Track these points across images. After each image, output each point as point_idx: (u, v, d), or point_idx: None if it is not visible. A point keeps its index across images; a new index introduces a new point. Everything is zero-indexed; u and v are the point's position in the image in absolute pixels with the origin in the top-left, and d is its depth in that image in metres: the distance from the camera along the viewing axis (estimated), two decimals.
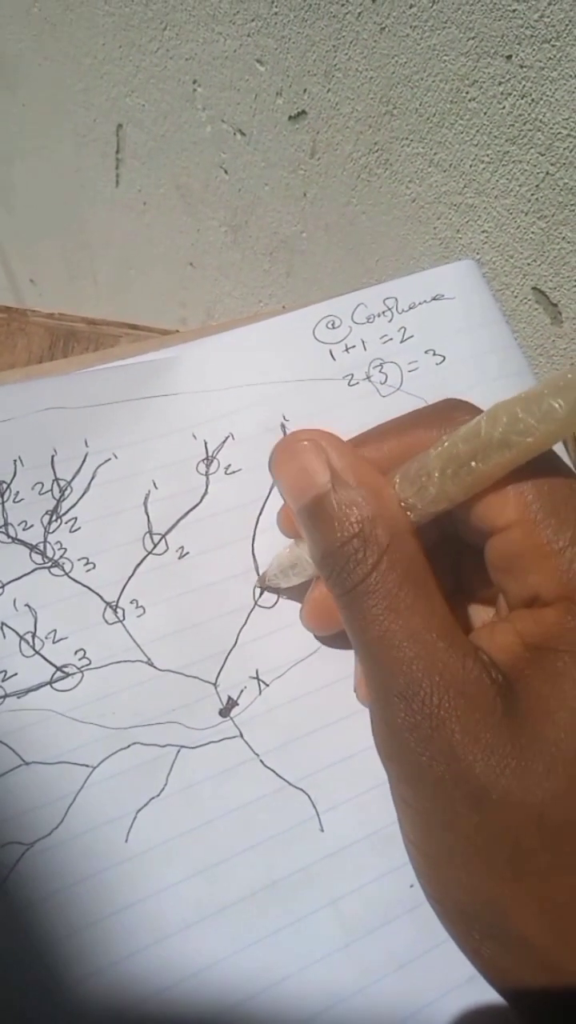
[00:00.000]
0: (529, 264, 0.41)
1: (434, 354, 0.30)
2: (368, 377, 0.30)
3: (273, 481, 0.24)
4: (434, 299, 0.31)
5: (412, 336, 0.30)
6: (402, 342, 0.30)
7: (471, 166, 0.38)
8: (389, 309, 0.30)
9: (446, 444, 0.21)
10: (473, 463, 0.20)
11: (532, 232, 0.39)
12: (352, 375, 0.30)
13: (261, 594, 0.28)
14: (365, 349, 0.30)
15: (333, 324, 0.30)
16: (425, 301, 0.31)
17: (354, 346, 0.30)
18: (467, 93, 0.36)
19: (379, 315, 0.30)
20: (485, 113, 0.36)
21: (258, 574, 0.28)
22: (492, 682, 0.20)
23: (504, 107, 0.36)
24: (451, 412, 0.23)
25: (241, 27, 0.41)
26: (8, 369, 0.28)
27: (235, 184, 0.46)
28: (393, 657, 0.20)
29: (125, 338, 0.33)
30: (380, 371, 0.30)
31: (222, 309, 0.52)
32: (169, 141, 0.47)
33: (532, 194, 0.38)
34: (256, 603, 0.28)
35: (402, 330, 0.30)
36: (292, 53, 0.40)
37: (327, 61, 0.40)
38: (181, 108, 0.46)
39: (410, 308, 0.31)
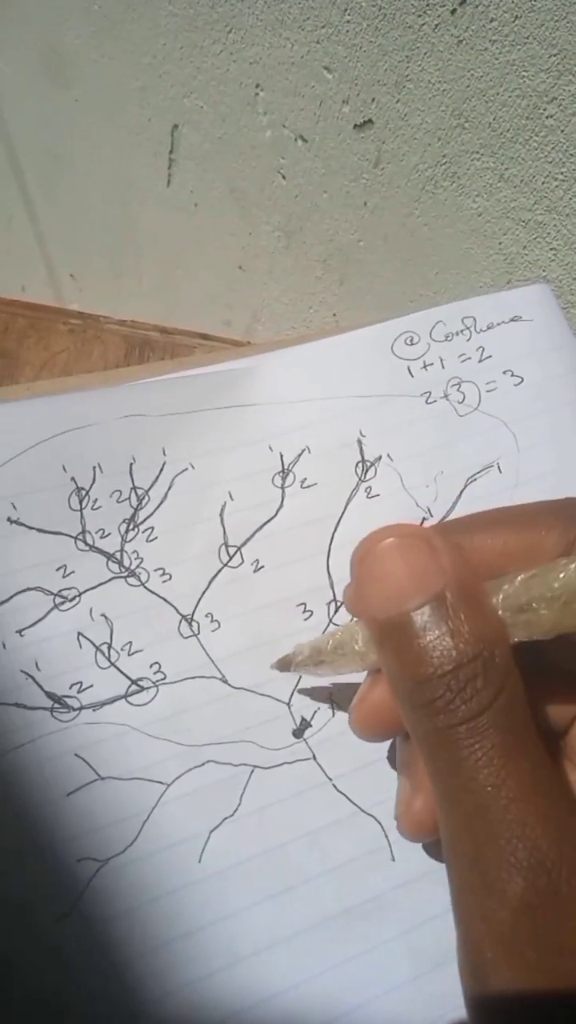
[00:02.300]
0: None
1: (512, 375, 0.31)
2: (446, 395, 0.30)
3: (353, 582, 0.21)
4: (512, 320, 0.31)
5: (490, 356, 0.31)
6: (480, 362, 0.31)
7: (543, 183, 0.38)
8: (467, 328, 0.31)
9: (572, 569, 0.19)
10: None
11: None
12: (430, 393, 0.30)
13: (336, 611, 0.28)
14: (443, 367, 0.30)
15: (412, 340, 0.30)
16: (504, 322, 0.31)
17: (432, 363, 0.30)
18: (544, 110, 0.36)
19: (457, 333, 0.31)
20: (562, 131, 0.36)
21: (332, 591, 0.28)
22: None
23: None
24: (573, 514, 0.21)
25: (310, 33, 0.41)
26: (87, 373, 0.28)
27: (292, 190, 0.46)
28: (511, 817, 0.17)
29: (200, 348, 0.33)
30: (458, 390, 0.30)
31: (269, 314, 0.52)
32: (226, 144, 0.47)
33: None
34: (331, 620, 0.28)
35: (480, 349, 0.31)
36: (362, 62, 0.41)
37: (398, 71, 0.40)
38: (241, 111, 0.46)
39: (488, 328, 0.31)
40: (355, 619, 0.23)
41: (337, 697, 0.27)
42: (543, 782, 0.17)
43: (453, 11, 0.36)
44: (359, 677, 0.25)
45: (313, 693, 0.26)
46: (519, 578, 0.19)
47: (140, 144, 0.50)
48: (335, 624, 0.28)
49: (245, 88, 0.45)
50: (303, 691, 0.26)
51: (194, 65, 0.46)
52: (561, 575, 0.18)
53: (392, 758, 0.27)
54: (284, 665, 0.25)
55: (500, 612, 0.19)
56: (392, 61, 0.40)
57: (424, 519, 0.29)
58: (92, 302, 0.56)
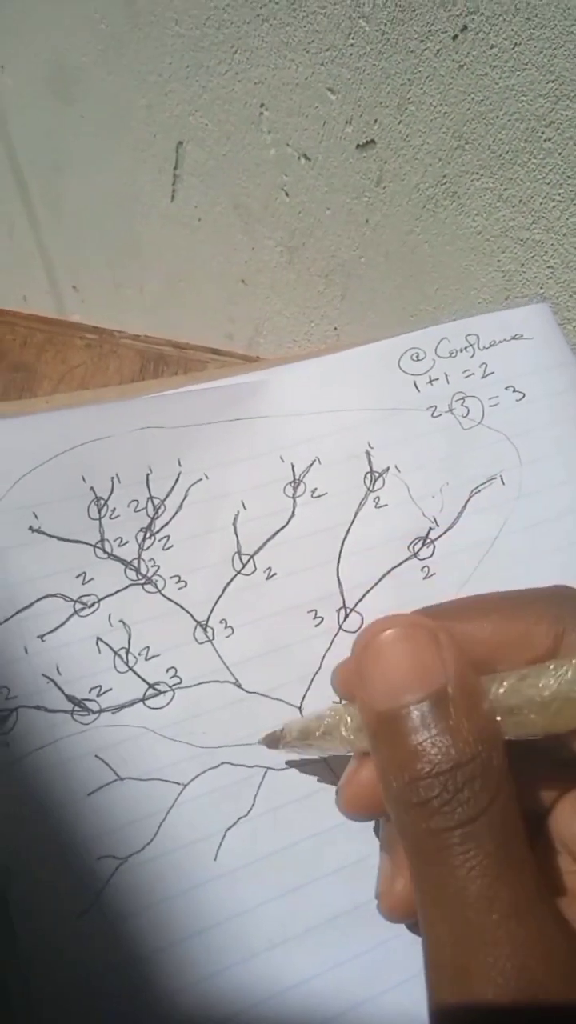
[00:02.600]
0: None
1: (514, 391, 0.32)
2: (451, 410, 0.31)
3: (356, 670, 0.20)
4: (513, 338, 0.32)
5: (493, 372, 0.32)
6: (483, 377, 0.32)
7: (541, 203, 0.40)
8: (471, 345, 0.32)
9: (567, 676, 0.18)
10: None
11: None
12: (435, 407, 0.31)
13: (346, 617, 0.29)
14: (448, 382, 0.31)
15: (418, 356, 0.31)
16: (505, 340, 0.32)
17: (437, 378, 0.31)
18: (543, 133, 0.38)
19: (461, 350, 0.32)
20: (560, 153, 0.38)
21: (342, 598, 0.29)
22: None
23: None
24: (562, 604, 0.20)
25: (315, 56, 0.43)
26: (103, 387, 0.29)
27: (295, 207, 0.48)
28: (501, 936, 0.16)
29: (212, 363, 0.34)
30: (462, 404, 0.31)
31: (271, 327, 0.53)
32: (230, 161, 0.48)
33: None
34: (340, 627, 0.29)
35: (483, 366, 0.32)
36: (365, 84, 0.42)
37: (400, 94, 0.41)
38: (245, 130, 0.47)
39: (491, 345, 0.32)
40: (344, 702, 0.23)
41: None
42: (534, 899, 0.17)
43: (455, 37, 0.38)
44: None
45: (302, 764, 0.27)
46: (509, 680, 0.19)
47: (145, 160, 0.51)
48: (345, 631, 0.29)
49: (250, 107, 0.46)
50: (291, 763, 0.27)
51: (200, 84, 0.47)
52: (552, 683, 0.18)
53: None
54: (272, 742, 0.25)
55: (493, 712, 0.19)
56: (395, 84, 0.41)
57: (430, 529, 0.30)
58: (94, 313, 0.57)
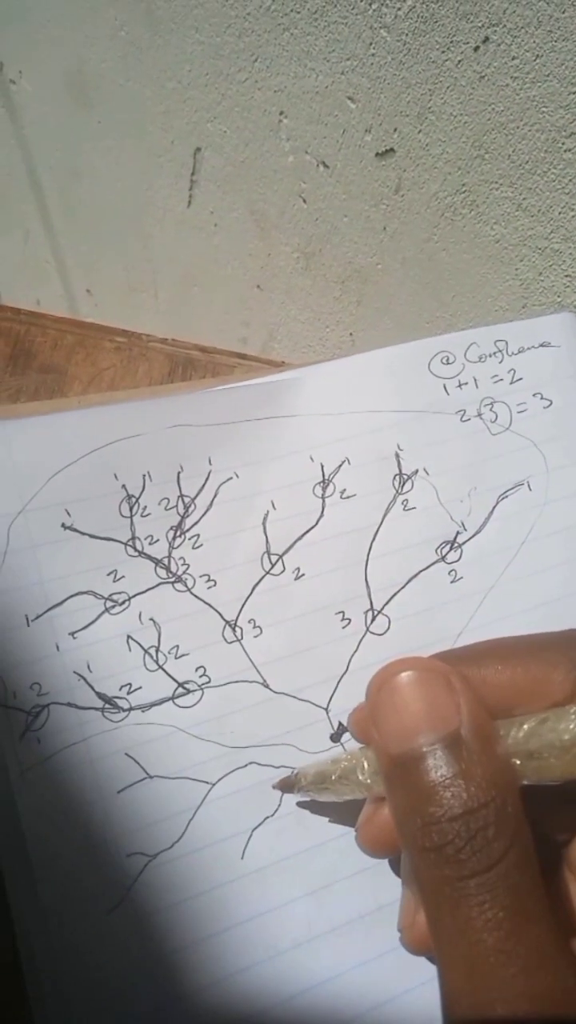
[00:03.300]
0: None
1: (541, 398, 0.32)
2: (480, 415, 0.32)
3: (369, 712, 0.20)
4: (541, 345, 0.33)
5: (521, 379, 0.32)
6: (511, 383, 0.32)
7: (560, 213, 0.40)
8: (500, 351, 0.32)
9: None
10: None
11: None
12: (464, 411, 0.32)
13: (373, 620, 0.29)
14: (477, 387, 0.32)
15: (448, 360, 0.32)
16: (533, 347, 0.33)
17: (467, 383, 0.32)
18: (563, 144, 0.38)
19: (490, 355, 0.32)
20: None
21: (370, 600, 0.29)
22: None
23: None
24: None
25: (335, 65, 0.43)
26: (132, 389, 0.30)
27: (313, 213, 0.48)
28: (516, 992, 0.16)
29: (239, 368, 0.34)
30: (491, 410, 0.32)
31: (285, 332, 0.54)
32: (248, 167, 0.49)
33: None
34: (368, 629, 0.29)
35: (511, 372, 0.32)
36: (386, 93, 0.42)
37: (421, 103, 0.42)
38: (264, 137, 0.48)
39: (519, 352, 0.32)
40: (361, 747, 0.23)
41: None
42: (552, 952, 0.17)
43: (476, 48, 0.38)
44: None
45: (312, 806, 0.27)
46: (528, 724, 0.19)
47: (162, 165, 0.52)
48: (372, 634, 0.29)
49: (269, 115, 0.47)
50: (302, 804, 0.27)
51: (219, 91, 0.47)
52: (572, 727, 0.18)
53: None
54: (287, 787, 0.26)
55: (510, 757, 0.19)
56: (415, 94, 0.42)
57: (458, 532, 0.30)
58: (107, 318, 0.57)
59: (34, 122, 0.53)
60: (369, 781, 0.22)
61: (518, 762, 0.19)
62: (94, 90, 0.51)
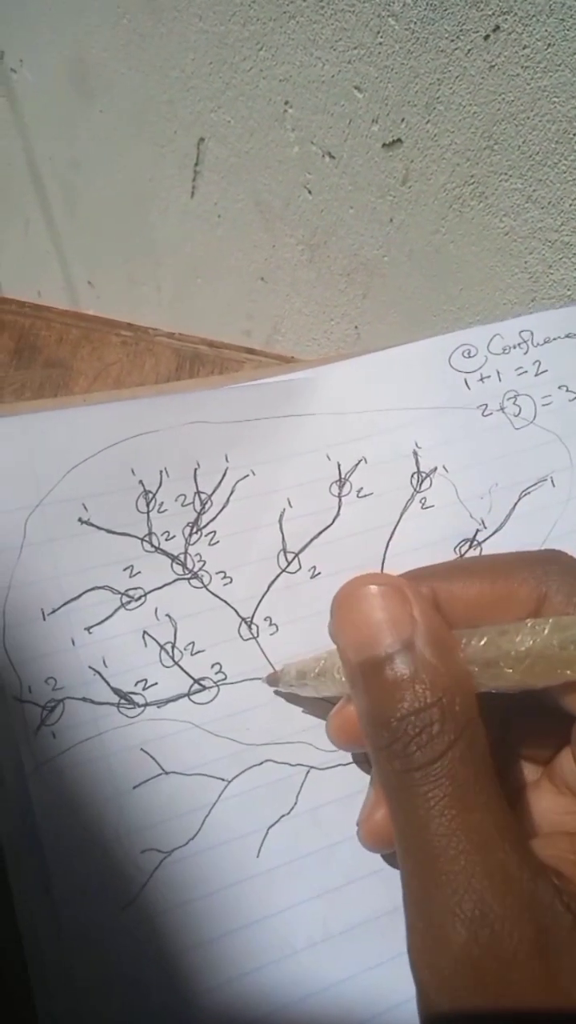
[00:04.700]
0: None
1: (567, 390, 0.32)
2: (502, 408, 0.31)
3: (332, 625, 0.22)
4: (567, 336, 0.33)
5: (546, 371, 0.32)
6: (536, 375, 0.32)
7: (571, 205, 0.40)
8: (525, 341, 0.32)
9: (543, 634, 0.19)
10: (568, 672, 0.19)
11: None
12: (486, 405, 0.31)
13: None
14: (500, 380, 0.32)
15: (469, 353, 0.32)
16: (559, 337, 0.32)
17: (489, 376, 0.32)
18: (575, 135, 0.38)
19: (515, 347, 0.32)
20: None
21: None
22: (566, 910, 0.17)
23: None
24: (548, 567, 0.22)
25: (342, 53, 0.43)
26: (139, 386, 0.30)
27: (318, 205, 0.48)
28: (459, 867, 0.18)
29: (248, 363, 0.34)
30: (514, 403, 0.31)
31: (290, 325, 0.54)
32: (253, 158, 0.49)
33: None
34: None
35: (537, 363, 0.32)
36: (393, 83, 0.42)
37: (429, 93, 0.42)
38: (269, 127, 0.47)
39: (545, 342, 0.32)
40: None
41: None
42: (494, 835, 0.18)
43: (486, 37, 0.38)
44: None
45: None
46: (488, 634, 0.20)
47: (165, 156, 0.51)
48: None
49: (274, 104, 0.46)
50: (279, 694, 0.28)
51: (223, 80, 0.47)
52: (528, 639, 0.20)
53: None
54: (272, 680, 0.27)
55: (468, 664, 0.20)
56: (424, 83, 0.41)
57: (478, 530, 0.30)
58: (109, 310, 0.57)
59: (35, 111, 0.52)
60: (343, 680, 0.23)
61: (476, 669, 0.20)
62: (96, 79, 0.51)
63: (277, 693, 0.28)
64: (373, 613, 0.20)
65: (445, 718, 0.19)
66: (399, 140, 0.44)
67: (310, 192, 0.48)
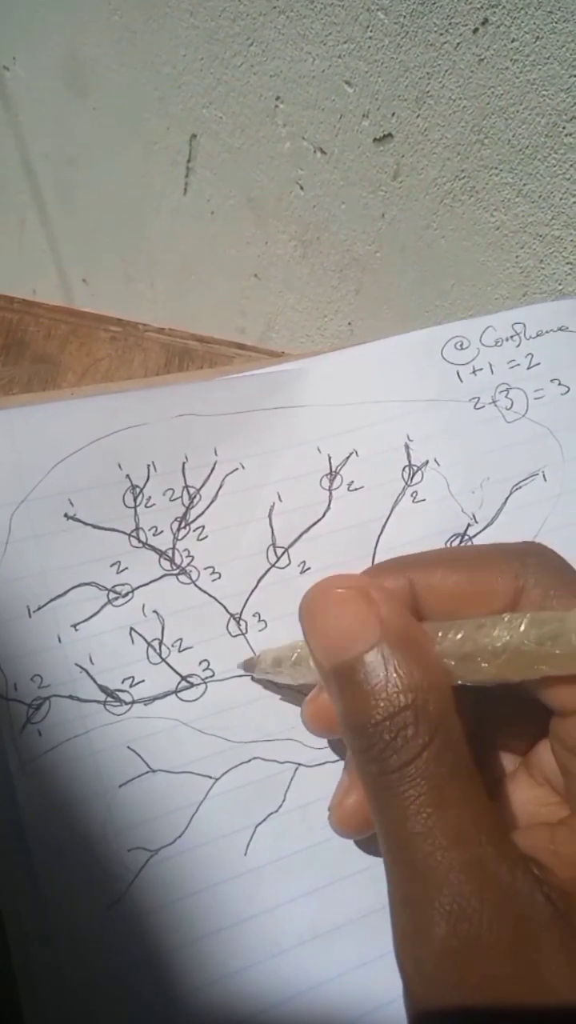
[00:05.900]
0: None
1: (559, 384, 0.31)
2: (494, 401, 0.31)
3: (303, 631, 0.22)
4: (560, 329, 0.32)
5: (539, 364, 0.32)
6: (528, 368, 0.31)
7: (561, 199, 0.40)
8: (517, 334, 0.32)
9: (519, 629, 0.19)
10: (544, 667, 0.19)
11: None
12: (479, 398, 0.31)
13: None
14: (492, 373, 0.31)
15: (462, 345, 0.31)
16: (552, 330, 0.32)
17: (481, 368, 0.31)
18: (564, 128, 0.38)
19: (507, 339, 0.31)
20: None
21: None
22: (546, 900, 0.17)
23: None
24: (526, 559, 0.21)
25: (332, 48, 0.42)
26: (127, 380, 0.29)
27: (310, 200, 0.47)
28: (436, 863, 0.18)
29: (238, 358, 0.34)
30: (506, 396, 0.31)
31: (284, 321, 0.53)
32: (245, 154, 0.48)
33: None
34: None
35: (529, 356, 0.32)
36: (383, 77, 0.42)
37: (419, 87, 0.41)
38: (260, 123, 0.47)
39: (537, 335, 0.32)
40: None
41: None
42: (470, 830, 0.18)
43: (475, 30, 0.38)
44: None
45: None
46: (464, 628, 0.20)
47: (157, 152, 0.51)
48: None
49: (265, 100, 0.46)
50: (273, 687, 0.28)
51: (214, 76, 0.47)
52: (504, 634, 0.19)
53: None
54: (248, 667, 0.27)
55: (444, 657, 0.20)
56: (413, 77, 0.41)
57: (469, 525, 0.29)
58: (103, 307, 0.57)
59: (28, 109, 0.52)
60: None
61: (452, 663, 0.20)
62: (88, 76, 0.50)
63: (255, 680, 0.27)
64: (340, 618, 0.20)
65: (419, 720, 0.18)
66: (390, 135, 0.43)
67: (302, 188, 0.48)
